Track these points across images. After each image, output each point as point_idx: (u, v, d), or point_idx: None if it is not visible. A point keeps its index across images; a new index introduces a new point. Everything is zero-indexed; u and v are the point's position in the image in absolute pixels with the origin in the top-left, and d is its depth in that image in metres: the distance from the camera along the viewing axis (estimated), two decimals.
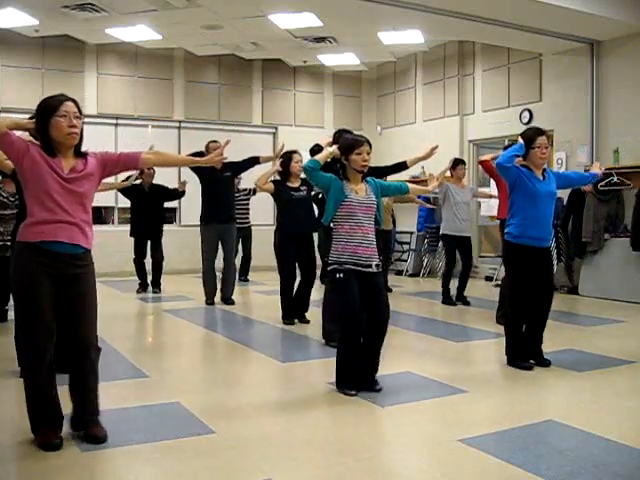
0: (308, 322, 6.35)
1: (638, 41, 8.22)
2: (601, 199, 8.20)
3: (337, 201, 3.92)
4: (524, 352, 4.62)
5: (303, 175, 6.17)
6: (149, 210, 8.55)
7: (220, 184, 7.40)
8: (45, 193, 2.97)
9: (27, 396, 3.09)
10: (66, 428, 3.24)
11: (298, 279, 6.47)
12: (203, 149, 7.31)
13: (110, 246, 9.74)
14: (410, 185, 4.38)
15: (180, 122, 11.47)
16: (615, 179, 8.08)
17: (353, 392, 3.89)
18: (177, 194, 8.66)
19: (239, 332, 6.34)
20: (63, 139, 3.01)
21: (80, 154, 3.12)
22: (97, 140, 7.90)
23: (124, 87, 10.94)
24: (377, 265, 3.96)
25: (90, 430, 3.12)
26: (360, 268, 3.89)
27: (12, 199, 6.24)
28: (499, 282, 9.71)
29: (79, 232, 3.05)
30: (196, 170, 7.35)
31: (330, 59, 11.29)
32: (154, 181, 8.62)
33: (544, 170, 4.67)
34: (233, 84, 11.83)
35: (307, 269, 6.43)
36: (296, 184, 6.47)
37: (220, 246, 7.60)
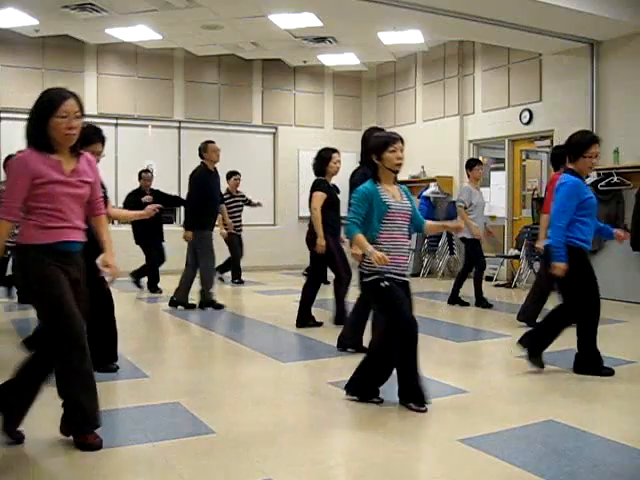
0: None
1: (638, 41, 8.22)
2: (601, 199, 8.19)
3: (380, 214, 3.69)
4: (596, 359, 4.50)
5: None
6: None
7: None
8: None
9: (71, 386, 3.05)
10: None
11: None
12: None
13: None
14: (428, 223, 4.04)
15: (180, 122, 11.48)
16: (615, 179, 8.08)
17: (423, 409, 3.62)
18: (176, 201, 8.73)
19: (239, 332, 6.35)
20: (61, 140, 3.00)
21: (76, 152, 3.11)
22: None
23: (124, 87, 10.95)
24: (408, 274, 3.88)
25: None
26: (398, 277, 3.73)
27: None
28: (499, 282, 9.75)
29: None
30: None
31: (330, 59, 11.29)
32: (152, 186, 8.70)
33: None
34: (233, 84, 11.83)
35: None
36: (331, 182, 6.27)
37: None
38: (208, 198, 7.24)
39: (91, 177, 3.15)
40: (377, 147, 3.76)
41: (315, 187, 6.09)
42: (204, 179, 7.22)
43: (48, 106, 2.98)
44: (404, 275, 3.79)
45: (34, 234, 2.98)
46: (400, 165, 3.75)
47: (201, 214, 7.18)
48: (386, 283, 3.66)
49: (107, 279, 3.28)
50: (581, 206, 4.45)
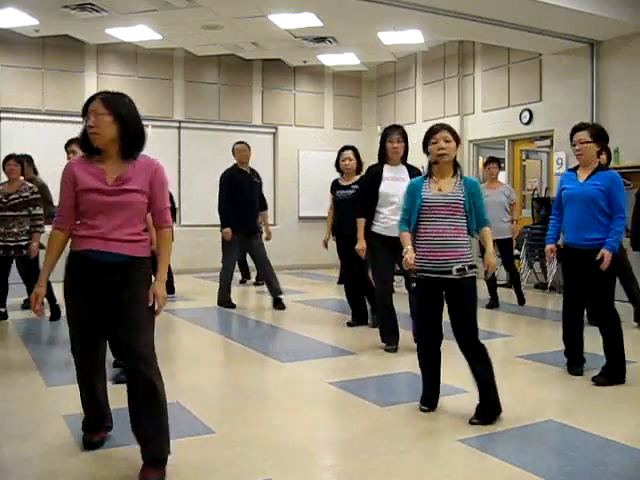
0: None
1: (638, 41, 8.22)
2: None
3: (417, 207, 3.60)
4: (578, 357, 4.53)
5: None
6: None
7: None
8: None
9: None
10: (67, 428, 3.24)
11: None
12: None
13: None
14: (485, 230, 3.66)
15: (180, 122, 11.47)
16: None
17: (425, 408, 3.67)
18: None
19: (239, 332, 6.34)
20: (91, 141, 2.94)
21: (127, 157, 2.93)
22: None
23: (124, 87, 10.92)
24: (459, 270, 3.47)
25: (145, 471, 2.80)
26: (436, 275, 3.51)
27: (5, 200, 6.17)
28: (499, 282, 9.71)
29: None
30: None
31: (330, 59, 11.28)
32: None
33: (595, 170, 4.30)
34: (233, 84, 11.83)
35: (349, 273, 6.29)
36: (348, 182, 6.21)
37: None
38: (236, 196, 7.23)
39: (139, 185, 2.88)
40: (424, 143, 3.68)
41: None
42: (231, 177, 7.32)
43: (83, 110, 2.97)
44: (448, 272, 3.48)
45: (71, 241, 2.96)
46: (440, 156, 3.55)
47: (229, 212, 7.22)
48: (413, 285, 3.71)
49: (156, 308, 2.94)
50: (558, 198, 4.47)
